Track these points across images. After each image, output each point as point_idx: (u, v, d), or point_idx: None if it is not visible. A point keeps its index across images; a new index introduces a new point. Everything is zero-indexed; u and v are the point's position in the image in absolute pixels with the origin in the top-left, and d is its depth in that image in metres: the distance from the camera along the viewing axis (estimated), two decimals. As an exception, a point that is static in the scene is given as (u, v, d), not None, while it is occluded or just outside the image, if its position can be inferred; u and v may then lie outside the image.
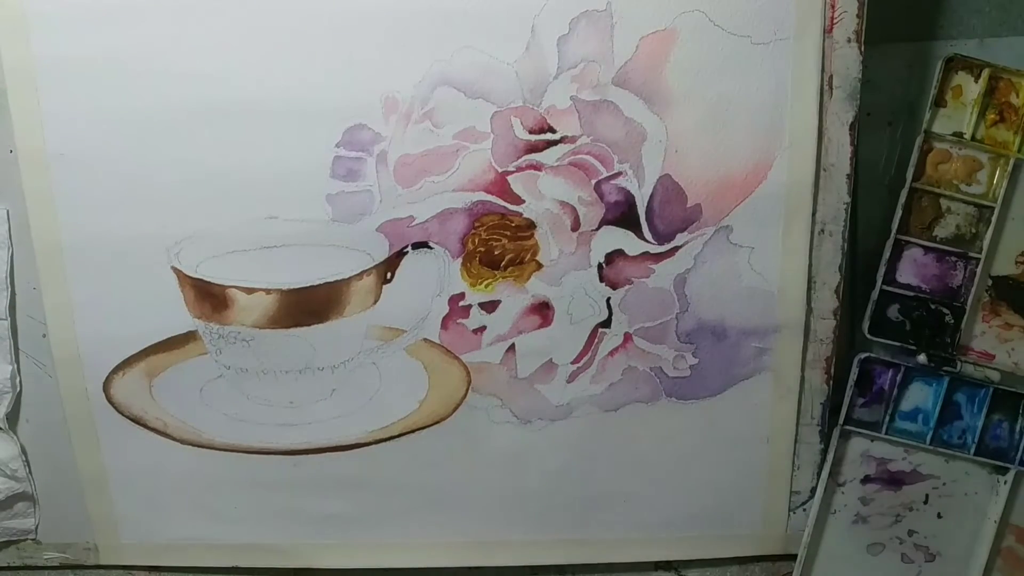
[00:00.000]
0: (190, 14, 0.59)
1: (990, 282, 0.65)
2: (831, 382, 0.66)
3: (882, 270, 0.64)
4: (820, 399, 0.66)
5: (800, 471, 0.68)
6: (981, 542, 0.68)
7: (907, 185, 0.63)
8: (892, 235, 0.64)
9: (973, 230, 0.64)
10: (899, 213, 0.63)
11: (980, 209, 0.64)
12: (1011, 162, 0.63)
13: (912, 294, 0.65)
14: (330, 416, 0.67)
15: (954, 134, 0.63)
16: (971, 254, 0.64)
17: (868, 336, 0.65)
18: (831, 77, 0.60)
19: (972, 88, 0.62)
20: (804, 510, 0.69)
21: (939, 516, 0.68)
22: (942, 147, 0.63)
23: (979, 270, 0.64)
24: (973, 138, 0.63)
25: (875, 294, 0.64)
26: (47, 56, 0.60)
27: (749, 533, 0.70)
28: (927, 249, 0.64)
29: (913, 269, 0.65)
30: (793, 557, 0.69)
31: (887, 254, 0.64)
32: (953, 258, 0.64)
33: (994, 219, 0.63)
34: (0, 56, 0.60)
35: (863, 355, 0.65)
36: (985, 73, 0.62)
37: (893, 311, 0.65)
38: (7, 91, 0.61)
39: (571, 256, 0.63)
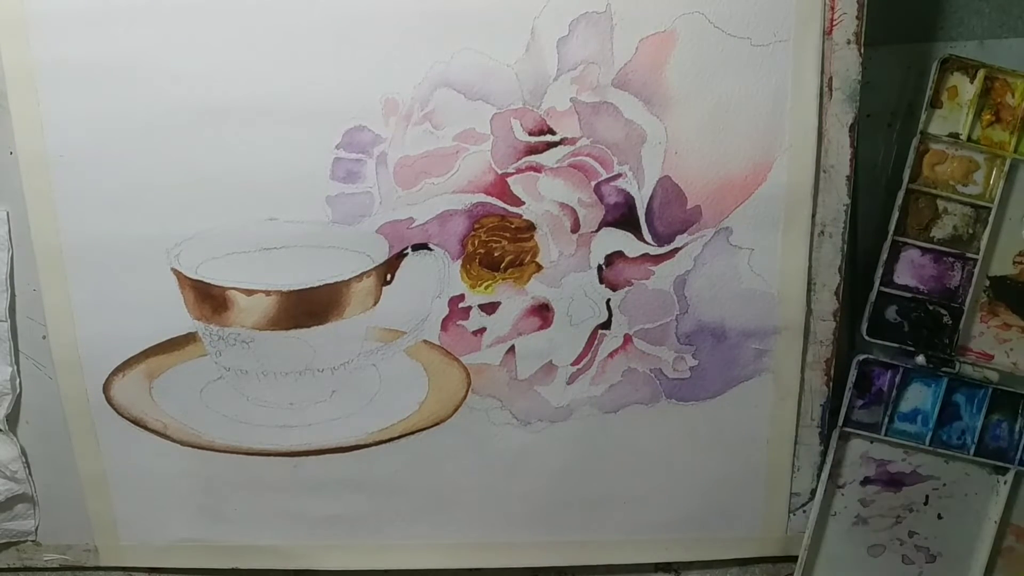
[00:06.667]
0: (190, 16, 0.59)
1: (988, 282, 0.65)
2: (831, 384, 0.66)
3: (879, 271, 0.64)
4: (820, 400, 0.66)
5: (800, 473, 0.68)
6: (982, 542, 0.68)
7: (903, 186, 0.63)
8: (889, 236, 0.64)
9: (970, 231, 0.64)
10: (896, 214, 0.63)
11: (977, 210, 0.64)
12: (1007, 162, 0.63)
13: (910, 295, 0.65)
14: (330, 417, 0.67)
15: (950, 135, 0.63)
16: (968, 255, 0.64)
17: (866, 338, 0.65)
18: (831, 79, 0.60)
19: (968, 89, 0.63)
20: (804, 512, 0.69)
21: (939, 517, 0.68)
22: (938, 148, 0.63)
23: (976, 270, 0.64)
24: (969, 139, 0.63)
25: (873, 295, 0.64)
26: (47, 58, 0.60)
27: (749, 535, 0.70)
28: (924, 250, 0.64)
29: (911, 270, 0.65)
30: (793, 559, 0.69)
31: (884, 255, 0.64)
32: (950, 259, 0.64)
33: (991, 219, 0.63)
34: (0, 58, 0.60)
35: (862, 357, 0.65)
36: (980, 74, 0.62)
37: (891, 312, 0.65)
38: (7, 93, 0.61)
39: (571, 258, 0.63)
